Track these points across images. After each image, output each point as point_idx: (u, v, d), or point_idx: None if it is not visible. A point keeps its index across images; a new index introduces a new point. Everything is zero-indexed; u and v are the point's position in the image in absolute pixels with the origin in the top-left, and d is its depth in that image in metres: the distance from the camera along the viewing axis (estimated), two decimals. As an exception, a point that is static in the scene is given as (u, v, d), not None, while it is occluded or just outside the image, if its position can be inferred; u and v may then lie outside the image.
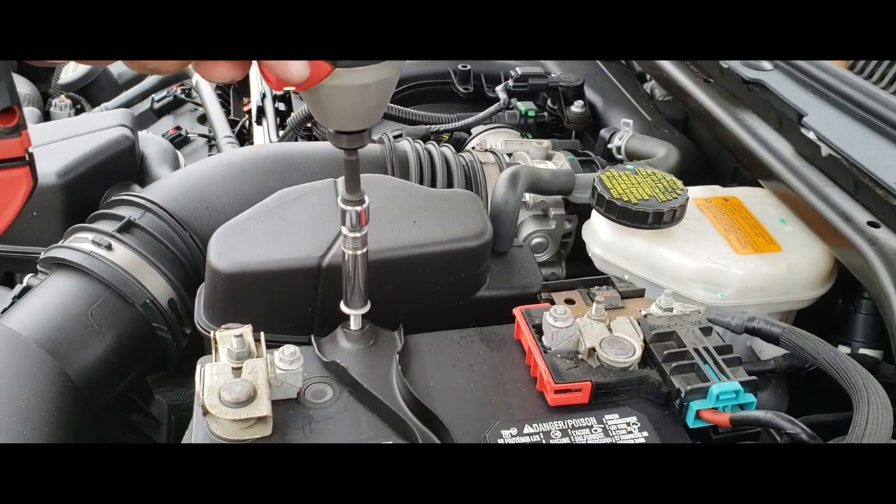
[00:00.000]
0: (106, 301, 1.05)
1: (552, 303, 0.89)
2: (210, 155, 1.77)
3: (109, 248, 1.07)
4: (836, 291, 1.06)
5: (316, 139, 1.50)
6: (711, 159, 1.45)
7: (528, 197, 1.22)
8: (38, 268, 1.11)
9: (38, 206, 1.17)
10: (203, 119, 2.01)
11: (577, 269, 1.26)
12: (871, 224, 0.92)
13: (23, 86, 2.22)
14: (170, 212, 1.13)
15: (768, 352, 1.02)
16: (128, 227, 1.10)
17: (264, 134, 1.65)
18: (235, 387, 0.73)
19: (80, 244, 1.08)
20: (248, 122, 1.94)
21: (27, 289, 1.09)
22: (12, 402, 0.89)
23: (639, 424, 0.75)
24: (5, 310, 1.05)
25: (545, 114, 1.57)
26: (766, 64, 1.18)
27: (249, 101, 1.96)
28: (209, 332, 0.93)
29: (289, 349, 0.77)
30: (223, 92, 2.17)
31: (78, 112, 2.17)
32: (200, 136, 1.92)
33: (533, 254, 1.09)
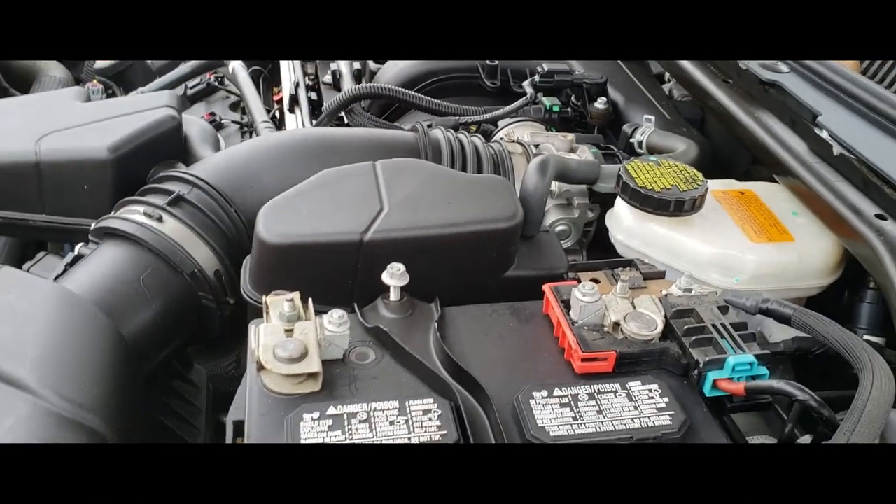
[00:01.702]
0: (156, 269, 1.10)
1: (579, 281, 0.95)
2: (243, 140, 1.83)
3: (160, 219, 1.12)
4: (843, 283, 1.12)
5: (349, 126, 1.56)
6: (725, 158, 1.50)
7: (553, 186, 1.27)
8: (90, 237, 1.16)
9: (90, 179, 1.22)
10: (235, 106, 2.07)
11: (596, 257, 1.30)
12: (878, 216, 0.98)
13: (56, 69, 2.27)
14: (216, 188, 1.18)
15: (777, 337, 1.08)
16: (177, 200, 1.15)
17: (297, 122, 1.72)
18: (289, 345, 0.79)
19: (133, 215, 1.13)
20: (278, 111, 2.01)
21: (79, 257, 1.14)
22: (69, 357, 0.92)
23: (660, 391, 0.80)
24: (58, 276, 1.10)
25: (569, 109, 1.62)
26: (782, 66, 1.24)
27: (280, 91, 2.03)
28: (255, 301, 1.00)
29: (337, 313, 0.83)
30: (253, 82, 2.23)
31: (110, 97, 2.22)
32: (233, 122, 1.99)
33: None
